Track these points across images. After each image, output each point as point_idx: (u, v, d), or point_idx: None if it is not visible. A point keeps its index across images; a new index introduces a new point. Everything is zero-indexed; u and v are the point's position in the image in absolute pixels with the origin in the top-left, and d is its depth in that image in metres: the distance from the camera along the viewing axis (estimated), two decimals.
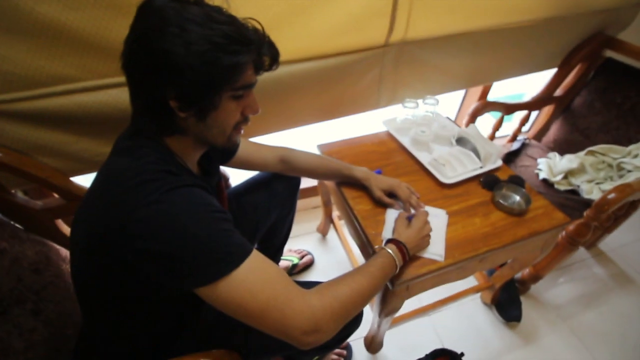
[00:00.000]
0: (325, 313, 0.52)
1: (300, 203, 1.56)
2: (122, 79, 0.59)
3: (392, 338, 1.17)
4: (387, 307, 0.83)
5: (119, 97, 0.77)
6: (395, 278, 0.74)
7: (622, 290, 1.37)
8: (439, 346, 1.14)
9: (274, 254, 1.18)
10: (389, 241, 0.73)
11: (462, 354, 1.08)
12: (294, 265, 1.33)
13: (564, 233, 1.09)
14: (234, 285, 0.49)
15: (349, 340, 1.15)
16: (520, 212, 0.89)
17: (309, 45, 0.89)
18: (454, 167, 1.00)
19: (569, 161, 1.26)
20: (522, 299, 1.29)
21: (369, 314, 0.98)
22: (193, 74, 0.47)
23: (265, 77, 0.92)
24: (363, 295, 0.59)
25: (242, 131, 0.62)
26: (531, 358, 1.15)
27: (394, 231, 0.77)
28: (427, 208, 0.89)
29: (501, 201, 0.91)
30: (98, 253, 0.51)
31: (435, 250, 0.79)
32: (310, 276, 1.36)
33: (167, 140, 0.57)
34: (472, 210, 0.91)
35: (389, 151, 1.10)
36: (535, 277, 1.25)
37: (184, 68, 0.47)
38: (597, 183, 1.22)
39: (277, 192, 0.98)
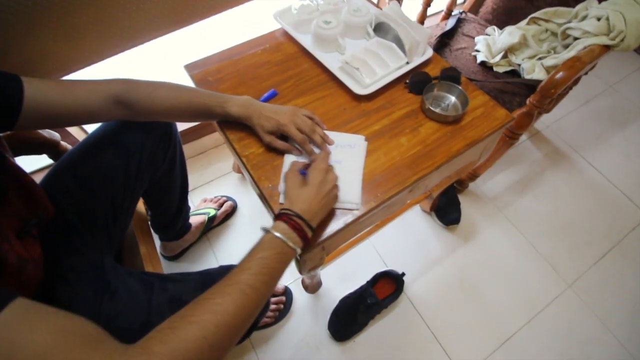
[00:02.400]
0: None
1: (205, 141, 1.24)
2: None
3: (332, 271, 1.06)
4: (306, 268, 0.66)
5: None
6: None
7: (556, 168, 1.33)
8: (382, 268, 1.07)
9: (175, 219, 0.95)
10: (278, 216, 0.49)
11: (402, 274, 1.02)
12: (212, 218, 1.10)
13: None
14: None
15: (286, 284, 1.04)
16: (455, 118, 0.69)
17: None
18: (371, 69, 0.73)
19: (510, 34, 1.03)
20: (461, 197, 1.21)
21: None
22: None
23: None
24: (232, 326, 0.37)
25: None
26: (470, 254, 1.12)
27: (285, 195, 0.52)
28: (338, 136, 0.65)
29: (432, 108, 0.68)
30: None
31: (349, 197, 0.58)
32: (234, 225, 1.15)
33: None
34: (397, 127, 0.68)
35: (286, 59, 0.79)
36: (473, 176, 1.14)
37: None
38: (540, 58, 1.02)
39: (135, 147, 0.67)
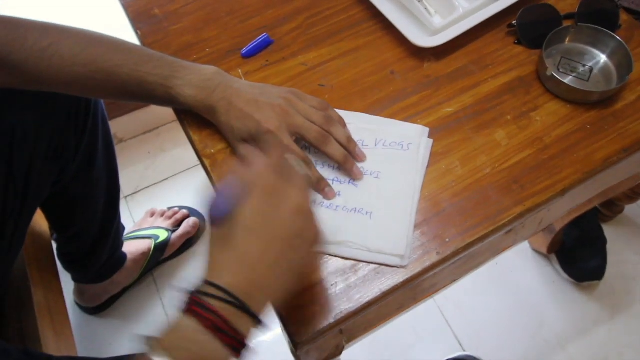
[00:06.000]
0: None
1: (157, 112, 1.32)
2: None
3: (362, 349, 1.09)
4: None
5: None
6: (298, 334, 0.53)
7: None
8: (454, 351, 1.12)
9: (96, 247, 1.03)
10: (188, 301, 0.38)
11: None
12: (161, 245, 1.15)
13: None
14: None
15: None
16: (604, 96, 0.67)
17: None
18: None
19: None
20: (608, 230, 1.20)
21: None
22: None
23: None
24: None
25: None
26: (624, 334, 1.14)
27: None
28: (379, 125, 0.65)
29: (559, 75, 0.66)
30: None
31: (389, 243, 0.56)
32: (198, 258, 1.21)
33: None
34: (489, 111, 0.68)
35: None
36: (635, 194, 1.12)
37: None
38: None
39: (25, 132, 0.72)
